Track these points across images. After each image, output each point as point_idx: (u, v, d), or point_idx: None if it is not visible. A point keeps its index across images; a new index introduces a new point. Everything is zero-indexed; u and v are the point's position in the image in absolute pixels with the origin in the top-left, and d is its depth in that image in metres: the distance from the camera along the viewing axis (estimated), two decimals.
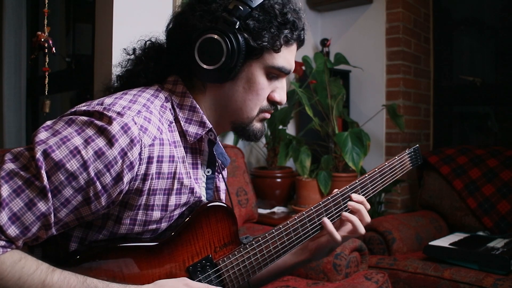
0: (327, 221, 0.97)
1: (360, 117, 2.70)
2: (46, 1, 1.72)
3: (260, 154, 2.57)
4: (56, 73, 2.25)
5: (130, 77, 0.91)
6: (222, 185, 1.01)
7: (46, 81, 1.73)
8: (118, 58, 0.95)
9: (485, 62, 3.05)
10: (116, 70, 0.94)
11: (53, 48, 1.67)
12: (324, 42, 2.77)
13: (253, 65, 0.85)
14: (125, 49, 0.94)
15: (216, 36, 0.80)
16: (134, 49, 0.93)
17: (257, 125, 0.90)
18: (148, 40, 0.93)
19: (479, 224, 2.21)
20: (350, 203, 0.99)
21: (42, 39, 1.65)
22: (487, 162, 2.32)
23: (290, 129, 2.74)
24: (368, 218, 1.00)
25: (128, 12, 1.77)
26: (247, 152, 2.53)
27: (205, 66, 0.82)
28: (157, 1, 1.89)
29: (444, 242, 1.91)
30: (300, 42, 0.90)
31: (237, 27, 0.80)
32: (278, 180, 2.34)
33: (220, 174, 0.99)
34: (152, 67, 0.90)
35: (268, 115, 0.91)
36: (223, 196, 1.00)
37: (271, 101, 0.90)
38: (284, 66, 0.87)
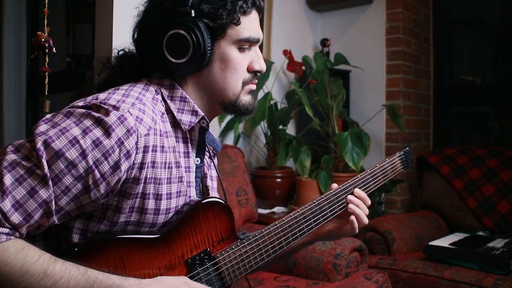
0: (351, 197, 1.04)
1: (360, 117, 2.71)
2: (46, 1, 1.72)
3: (260, 154, 2.57)
4: (56, 73, 2.25)
5: (108, 83, 0.94)
6: (211, 172, 1.03)
7: (46, 81, 1.73)
8: (109, 54, 0.97)
9: (485, 62, 3.06)
10: (94, 79, 0.98)
11: (53, 48, 1.67)
12: (324, 42, 2.77)
13: (221, 45, 0.88)
14: (99, 58, 0.98)
15: (178, 31, 0.84)
16: (108, 58, 0.97)
17: (245, 98, 0.93)
18: (120, 50, 0.97)
19: (479, 224, 2.21)
20: (350, 196, 1.05)
21: (42, 39, 1.65)
22: (487, 162, 2.32)
23: (290, 129, 2.74)
24: (366, 210, 1.05)
25: (128, 12, 1.76)
26: (247, 152, 2.53)
27: (178, 61, 0.86)
28: None
29: (444, 242, 1.92)
30: (258, 8, 0.93)
31: (193, 15, 0.84)
32: (278, 180, 2.34)
33: (211, 161, 1.02)
34: (127, 71, 0.94)
35: (253, 86, 0.95)
36: (209, 182, 1.02)
37: (252, 72, 0.93)
38: (251, 36, 0.90)
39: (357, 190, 1.05)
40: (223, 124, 2.32)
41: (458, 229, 2.27)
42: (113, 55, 0.97)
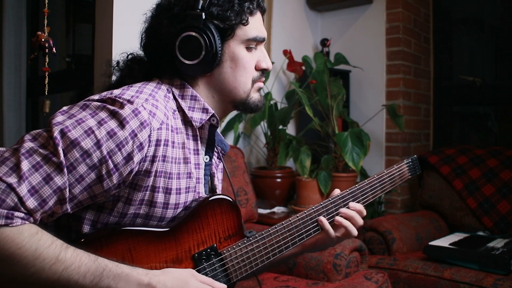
0: (323, 219, 1.02)
1: (360, 117, 2.71)
2: (46, 1, 1.72)
3: (260, 154, 2.57)
4: (56, 73, 2.25)
5: (118, 83, 0.96)
6: (218, 174, 1.06)
7: (46, 81, 1.73)
8: (118, 58, 0.99)
9: (485, 62, 3.05)
10: (101, 80, 1.01)
11: (53, 48, 1.67)
12: (324, 42, 2.77)
13: (231, 45, 0.92)
14: (108, 61, 1.01)
15: (190, 33, 0.88)
16: (118, 62, 1.00)
17: (255, 96, 0.98)
18: (130, 54, 1.00)
19: (479, 224, 2.21)
20: (344, 210, 1.04)
21: (42, 39, 1.65)
22: (487, 162, 2.32)
23: (290, 129, 2.74)
24: (360, 222, 1.05)
25: (128, 12, 1.77)
26: (247, 152, 2.53)
27: (191, 62, 0.90)
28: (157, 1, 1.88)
29: (444, 242, 1.92)
30: (262, 9, 0.98)
31: (203, 17, 0.88)
32: (278, 180, 2.34)
33: (220, 161, 1.05)
34: (138, 73, 0.97)
35: (261, 84, 0.99)
36: (216, 182, 1.05)
37: (259, 70, 0.98)
38: (257, 35, 0.94)
39: (352, 204, 1.05)
40: (223, 124, 2.32)
41: (458, 229, 2.27)
42: (122, 58, 1.00)
